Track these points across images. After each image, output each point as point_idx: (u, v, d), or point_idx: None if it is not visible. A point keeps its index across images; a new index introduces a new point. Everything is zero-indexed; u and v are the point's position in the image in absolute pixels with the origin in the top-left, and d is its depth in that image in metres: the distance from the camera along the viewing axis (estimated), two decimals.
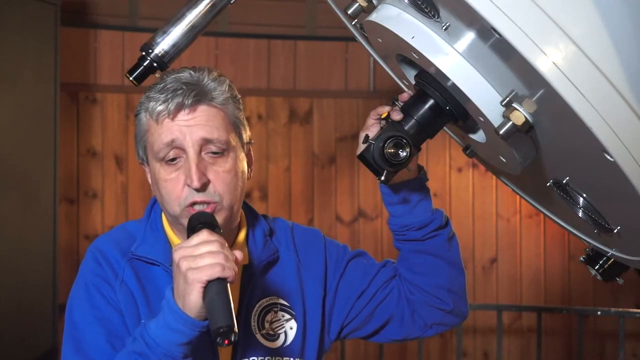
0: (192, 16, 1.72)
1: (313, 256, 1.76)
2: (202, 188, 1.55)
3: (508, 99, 1.29)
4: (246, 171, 1.65)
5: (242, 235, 1.71)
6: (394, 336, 1.82)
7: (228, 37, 4.97)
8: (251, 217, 1.75)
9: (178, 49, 1.72)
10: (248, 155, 1.67)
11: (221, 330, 1.34)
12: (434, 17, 1.33)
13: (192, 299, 1.40)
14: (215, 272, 1.39)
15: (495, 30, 1.18)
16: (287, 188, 5.07)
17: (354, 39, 1.79)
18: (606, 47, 1.20)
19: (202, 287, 1.39)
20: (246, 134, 1.66)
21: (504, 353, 4.94)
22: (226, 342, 1.34)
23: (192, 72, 1.62)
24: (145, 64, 1.70)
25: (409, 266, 1.77)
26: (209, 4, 1.73)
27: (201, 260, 1.40)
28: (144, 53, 1.71)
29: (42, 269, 3.81)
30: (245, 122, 1.66)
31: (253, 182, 5.01)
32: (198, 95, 1.57)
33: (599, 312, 4.58)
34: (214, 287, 1.39)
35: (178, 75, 1.61)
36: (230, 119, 1.61)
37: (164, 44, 1.71)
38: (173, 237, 1.66)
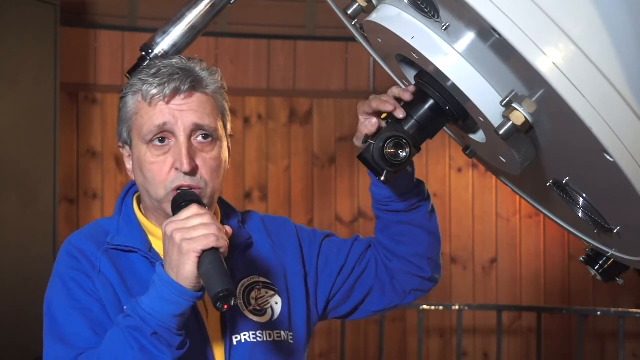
0: (192, 16, 1.73)
1: (286, 239, 1.79)
2: (191, 173, 1.58)
3: (508, 99, 1.29)
4: (227, 162, 1.68)
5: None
6: (376, 307, 1.85)
7: (228, 37, 4.97)
8: (225, 207, 1.78)
9: (178, 49, 1.73)
10: (228, 148, 1.69)
11: (221, 294, 1.36)
12: (434, 17, 1.33)
13: (187, 269, 1.42)
14: (210, 242, 1.42)
15: (495, 31, 1.18)
16: (287, 188, 5.06)
17: (353, 39, 1.79)
18: (606, 47, 1.20)
19: (197, 257, 1.42)
20: (229, 126, 1.69)
21: (503, 353, 4.93)
22: (226, 307, 1.37)
23: (183, 59, 1.63)
24: (145, 64, 1.70)
25: (390, 235, 1.79)
26: (208, 4, 1.73)
27: (195, 232, 1.43)
28: (143, 53, 1.71)
29: (42, 269, 3.80)
30: (229, 114, 1.69)
31: (253, 182, 5.01)
32: (194, 81, 1.60)
33: (599, 312, 4.58)
34: (208, 257, 1.42)
35: (170, 61, 1.62)
36: (219, 108, 1.65)
37: (163, 44, 1.71)
38: (148, 224, 1.68)
